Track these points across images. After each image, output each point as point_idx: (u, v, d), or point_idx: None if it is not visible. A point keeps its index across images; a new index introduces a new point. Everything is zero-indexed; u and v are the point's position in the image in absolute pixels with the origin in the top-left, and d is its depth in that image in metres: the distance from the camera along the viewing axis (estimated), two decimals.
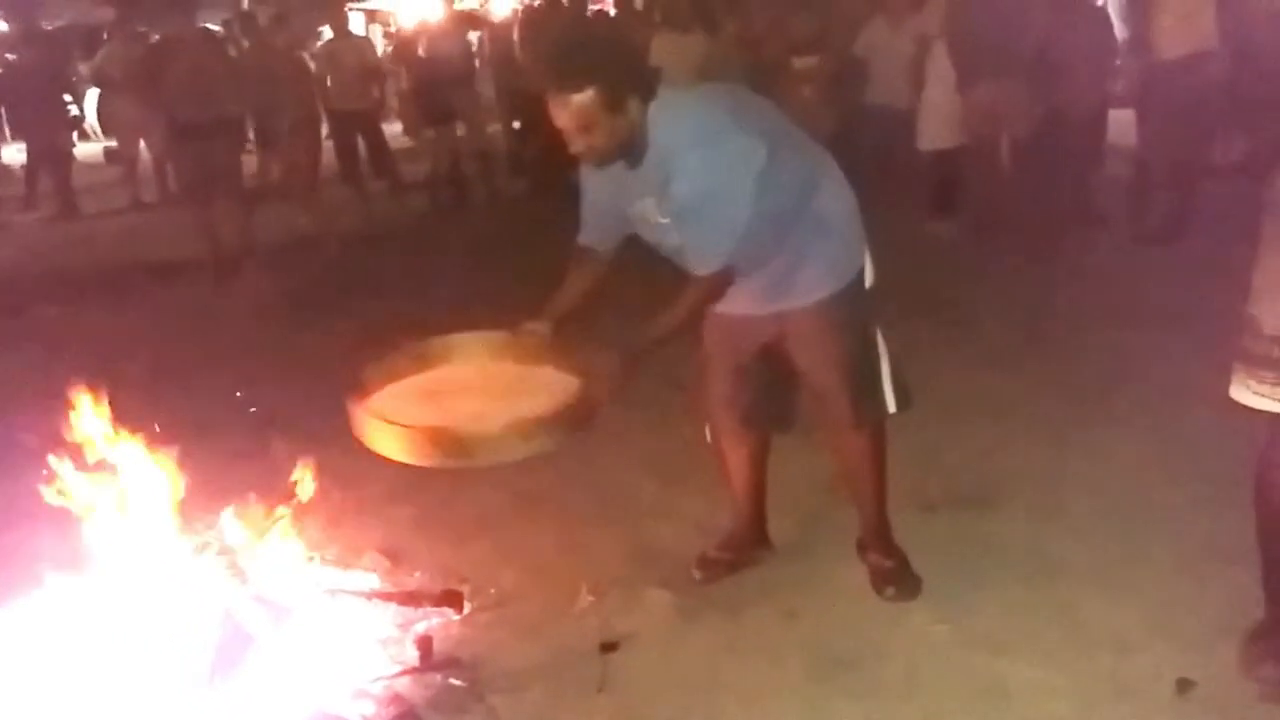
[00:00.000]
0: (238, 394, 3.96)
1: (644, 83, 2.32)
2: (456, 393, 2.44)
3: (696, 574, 2.84)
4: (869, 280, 2.61)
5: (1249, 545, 2.28)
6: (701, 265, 2.36)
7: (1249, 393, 2.10)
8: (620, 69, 2.30)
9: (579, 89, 2.23)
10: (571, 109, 2.25)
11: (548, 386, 2.36)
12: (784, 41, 7.32)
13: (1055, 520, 2.98)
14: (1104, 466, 3.30)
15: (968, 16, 6.24)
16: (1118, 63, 6.27)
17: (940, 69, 6.36)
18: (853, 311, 2.57)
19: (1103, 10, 6.35)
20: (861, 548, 2.83)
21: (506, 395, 2.37)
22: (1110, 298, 5.05)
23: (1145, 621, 2.50)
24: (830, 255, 2.51)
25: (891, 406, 2.67)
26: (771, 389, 2.71)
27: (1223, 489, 2.88)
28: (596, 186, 2.54)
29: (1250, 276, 2.14)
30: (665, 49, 7.73)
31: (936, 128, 6.34)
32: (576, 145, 2.33)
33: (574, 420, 2.23)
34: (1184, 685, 2.27)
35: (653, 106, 2.31)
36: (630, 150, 2.34)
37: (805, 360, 2.58)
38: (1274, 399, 2.06)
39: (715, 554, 2.88)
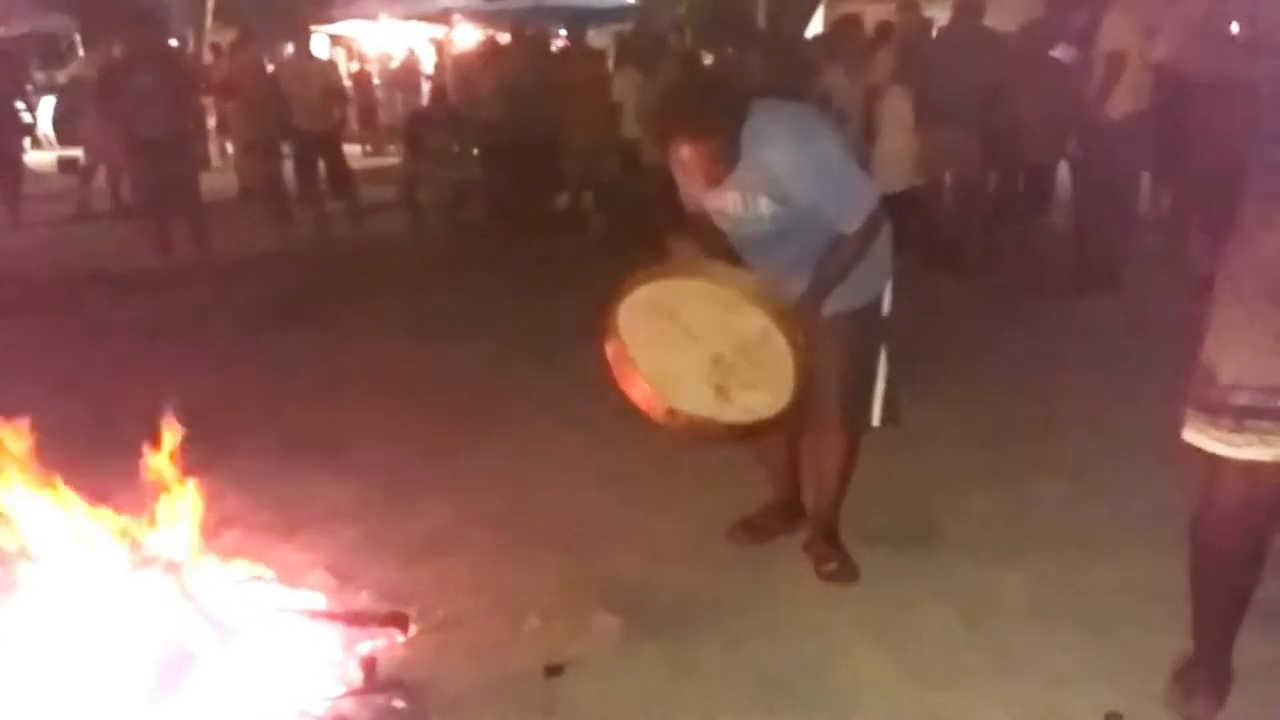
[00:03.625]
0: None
1: (743, 113, 2.65)
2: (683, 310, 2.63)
3: (740, 536, 3.11)
4: (886, 307, 2.88)
5: (1180, 582, 2.36)
6: (850, 221, 2.67)
7: (1206, 438, 2.17)
8: (734, 111, 2.64)
9: (708, 138, 2.60)
10: (700, 155, 2.62)
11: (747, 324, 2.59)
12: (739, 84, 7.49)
13: (994, 558, 3.04)
14: (1043, 508, 3.38)
15: (925, 62, 6.47)
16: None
17: (894, 114, 6.55)
18: (864, 330, 2.85)
19: (1061, 65, 6.54)
20: (808, 545, 3.02)
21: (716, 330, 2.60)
22: (1050, 341, 5.19)
23: (1079, 656, 2.57)
24: (857, 273, 2.74)
25: (875, 420, 2.92)
26: None
27: (1156, 528, 2.99)
28: (688, 190, 2.88)
29: (1202, 327, 2.21)
30: (625, 85, 7.93)
31: (891, 171, 6.50)
32: (702, 179, 2.68)
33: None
34: (1113, 719, 2.33)
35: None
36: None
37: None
38: (1230, 444, 2.13)
39: (758, 520, 3.16)
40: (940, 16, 8.23)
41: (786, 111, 2.77)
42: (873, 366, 2.90)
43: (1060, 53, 6.65)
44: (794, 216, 2.69)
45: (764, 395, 2.57)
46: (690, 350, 2.59)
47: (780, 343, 2.53)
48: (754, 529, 3.16)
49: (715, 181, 2.69)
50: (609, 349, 2.61)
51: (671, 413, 2.55)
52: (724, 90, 2.81)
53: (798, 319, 2.60)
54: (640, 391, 2.58)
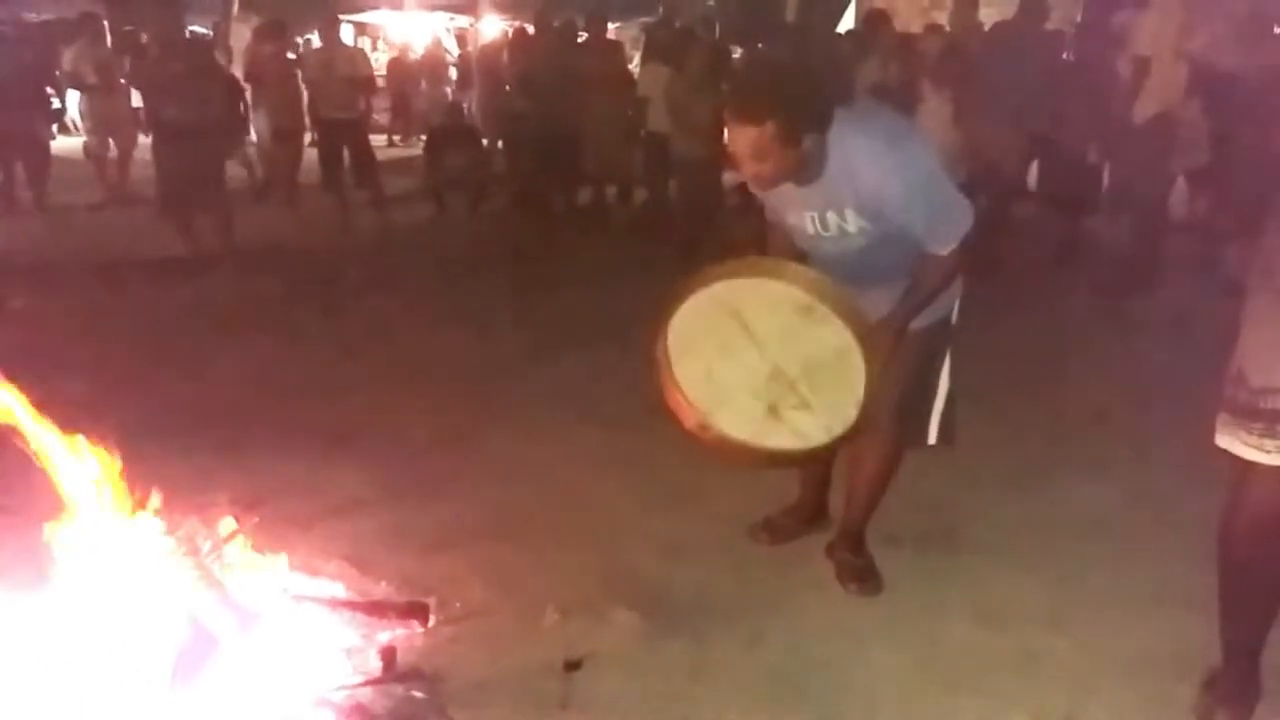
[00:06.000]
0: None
1: (823, 120, 2.40)
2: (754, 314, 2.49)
3: (761, 536, 3.06)
4: (954, 318, 2.77)
5: (1208, 593, 2.33)
6: (943, 242, 2.49)
7: (1239, 443, 2.14)
8: (801, 107, 2.38)
9: (757, 122, 2.34)
10: (748, 139, 2.37)
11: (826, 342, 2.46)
12: None
13: (1018, 562, 3.02)
14: (1068, 511, 3.35)
15: (973, 59, 6.42)
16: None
17: (931, 109, 6.50)
18: (930, 345, 2.73)
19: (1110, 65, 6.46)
20: (832, 547, 2.97)
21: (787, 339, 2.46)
22: (1082, 343, 5.13)
23: (1102, 665, 2.54)
24: None
25: (932, 439, 2.82)
26: None
27: (1185, 537, 2.94)
28: (770, 203, 2.69)
29: (1236, 331, 2.18)
30: (652, 79, 7.90)
31: None
32: (747, 170, 2.45)
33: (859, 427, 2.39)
34: None
35: (831, 128, 2.41)
36: (800, 174, 2.45)
37: None
38: (1261, 450, 2.10)
39: (781, 520, 3.11)
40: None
41: (876, 116, 2.59)
42: (933, 382, 2.79)
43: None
44: (882, 234, 2.50)
45: (818, 419, 2.39)
46: (749, 359, 2.43)
47: (857, 365, 2.39)
48: (775, 529, 3.13)
49: (762, 183, 2.50)
50: (657, 350, 2.41)
51: (704, 427, 2.34)
52: (802, 84, 2.48)
53: (880, 343, 2.45)
54: (676, 400, 2.38)
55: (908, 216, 2.45)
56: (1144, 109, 5.73)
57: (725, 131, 2.47)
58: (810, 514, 3.16)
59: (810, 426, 2.38)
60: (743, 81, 2.53)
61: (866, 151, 2.42)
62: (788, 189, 2.53)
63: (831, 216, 2.52)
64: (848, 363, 2.41)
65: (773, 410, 2.39)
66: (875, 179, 2.41)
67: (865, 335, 2.43)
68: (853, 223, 2.51)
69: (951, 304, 2.76)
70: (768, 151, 2.38)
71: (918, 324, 2.63)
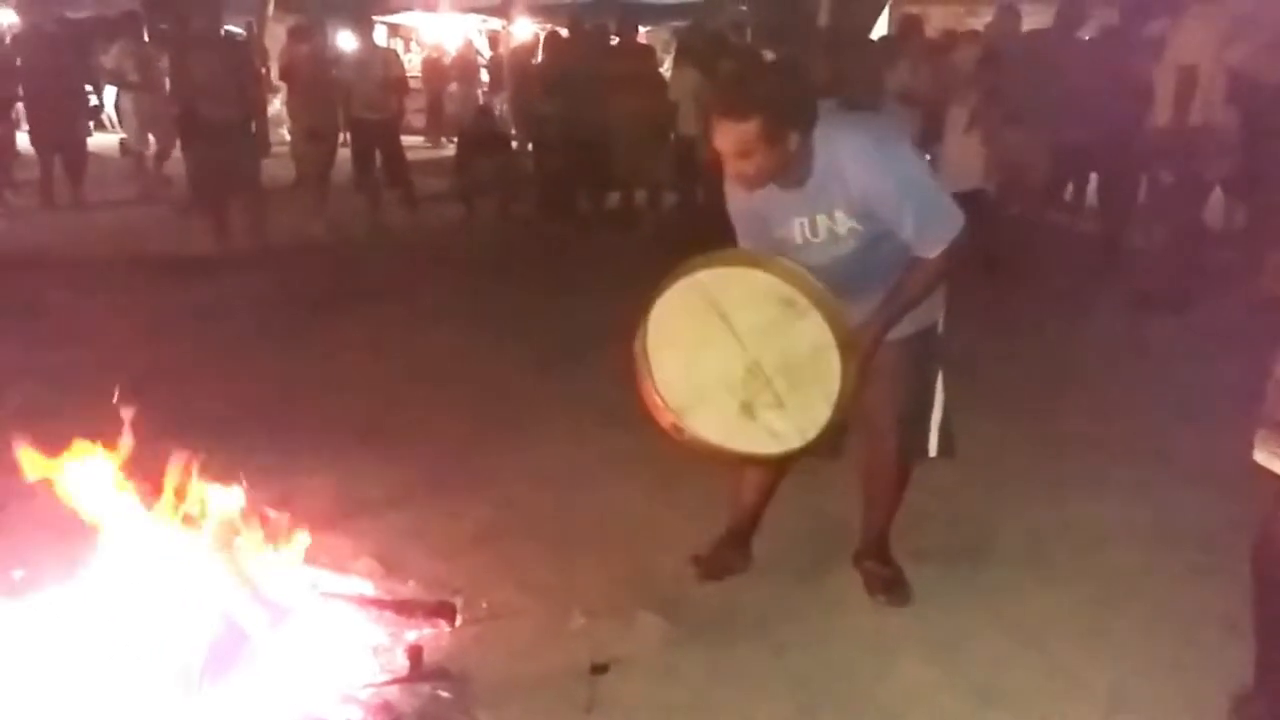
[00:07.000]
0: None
1: (807, 117, 2.41)
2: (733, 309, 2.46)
3: (699, 572, 2.97)
4: (940, 326, 2.74)
5: (1239, 613, 2.30)
6: (931, 245, 2.47)
7: (1276, 460, 2.11)
8: (785, 104, 2.39)
9: (743, 118, 2.35)
10: (733, 135, 2.38)
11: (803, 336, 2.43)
12: None
13: (1048, 577, 3.00)
14: (1099, 526, 3.31)
15: (1008, 65, 6.39)
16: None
17: (962, 114, 6.47)
18: (924, 354, 2.70)
19: (1145, 73, 6.38)
20: (859, 557, 2.94)
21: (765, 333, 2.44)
22: (1117, 358, 5.09)
23: (1134, 681, 2.51)
24: None
25: (932, 451, 2.79)
26: None
27: (1218, 558, 2.91)
28: (742, 210, 2.66)
29: (1274, 344, 2.16)
30: (683, 84, 7.92)
31: (959, 170, 6.37)
32: (732, 168, 2.46)
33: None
34: None
35: (817, 130, 2.42)
36: (785, 175, 2.45)
37: (868, 390, 2.58)
38: None
39: (715, 555, 3.01)
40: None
41: (861, 118, 2.59)
42: (928, 392, 2.76)
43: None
44: (872, 236, 2.49)
45: (790, 419, 2.40)
46: (728, 352, 2.42)
47: (833, 366, 2.38)
48: (711, 565, 2.99)
49: (747, 181, 2.47)
50: (636, 344, 2.45)
51: (677, 429, 2.41)
52: (787, 81, 2.49)
53: (858, 347, 2.44)
54: (652, 401, 2.45)
55: (897, 215, 2.44)
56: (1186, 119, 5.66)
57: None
58: (741, 544, 3.04)
59: (783, 426, 2.40)
60: (728, 79, 2.52)
61: (855, 149, 2.43)
62: (775, 195, 2.52)
63: (821, 219, 2.52)
64: (824, 360, 2.40)
65: (746, 408, 2.42)
66: (863, 175, 2.42)
67: (845, 338, 2.43)
68: (842, 224, 2.50)
69: (936, 313, 2.73)
70: (753, 149, 2.38)
71: (902, 333, 2.60)
